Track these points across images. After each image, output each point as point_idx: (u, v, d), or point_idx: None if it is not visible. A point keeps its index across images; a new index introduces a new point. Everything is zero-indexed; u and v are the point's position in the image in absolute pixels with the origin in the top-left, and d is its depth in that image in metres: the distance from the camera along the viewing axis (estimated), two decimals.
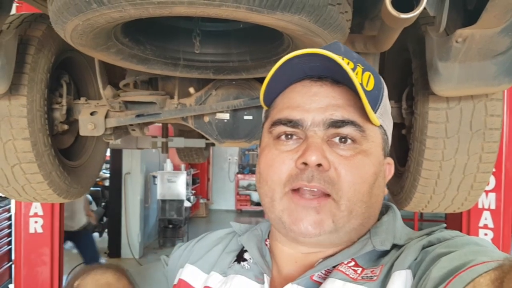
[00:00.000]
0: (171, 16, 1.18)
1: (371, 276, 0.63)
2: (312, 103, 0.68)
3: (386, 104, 0.74)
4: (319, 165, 0.65)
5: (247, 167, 11.20)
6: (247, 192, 11.15)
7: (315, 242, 0.69)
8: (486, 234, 3.40)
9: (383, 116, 0.72)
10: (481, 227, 3.42)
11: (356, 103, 0.68)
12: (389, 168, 0.78)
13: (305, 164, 0.65)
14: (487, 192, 3.37)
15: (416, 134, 1.83)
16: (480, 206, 3.40)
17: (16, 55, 1.65)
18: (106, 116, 2.04)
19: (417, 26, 1.69)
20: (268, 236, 0.82)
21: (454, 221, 3.74)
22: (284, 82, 0.73)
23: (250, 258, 0.78)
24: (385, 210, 0.77)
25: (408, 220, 6.65)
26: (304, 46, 1.37)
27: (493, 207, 3.39)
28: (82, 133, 2.06)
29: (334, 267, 0.67)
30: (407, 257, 0.61)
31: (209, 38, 1.72)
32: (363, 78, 0.68)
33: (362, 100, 0.65)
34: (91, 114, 2.05)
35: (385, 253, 0.67)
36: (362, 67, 0.69)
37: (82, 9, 1.13)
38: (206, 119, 2.11)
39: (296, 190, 0.67)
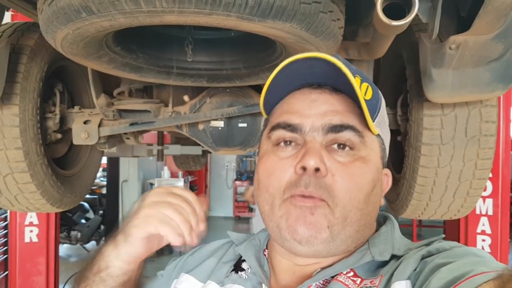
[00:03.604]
0: (162, 24, 1.17)
1: (370, 287, 0.63)
2: (311, 109, 0.69)
3: (384, 115, 0.74)
4: (317, 170, 0.65)
5: (245, 173, 11.15)
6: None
7: (312, 252, 0.67)
8: (483, 240, 3.39)
9: (381, 126, 0.72)
10: (478, 233, 3.42)
11: (355, 110, 0.68)
12: (386, 179, 0.78)
13: (304, 168, 0.65)
14: (484, 198, 3.37)
15: (411, 140, 1.82)
16: (477, 212, 3.39)
17: (8, 64, 1.64)
18: (99, 125, 2.03)
19: (411, 33, 1.69)
20: (267, 246, 0.82)
21: (452, 227, 3.73)
22: (284, 89, 0.73)
23: (248, 268, 0.77)
24: (383, 221, 0.77)
25: (407, 226, 6.63)
26: (297, 53, 1.36)
27: (490, 213, 3.39)
28: (75, 142, 2.04)
29: (332, 277, 0.66)
30: (406, 267, 0.61)
31: (202, 46, 1.71)
32: (361, 88, 0.68)
33: (361, 106, 0.65)
34: (85, 123, 2.03)
35: (384, 264, 0.67)
36: (361, 78, 0.70)
37: (72, 18, 1.12)
38: (201, 127, 2.10)
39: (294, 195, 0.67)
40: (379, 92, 0.74)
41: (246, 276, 0.76)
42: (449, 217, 2.05)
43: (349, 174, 0.66)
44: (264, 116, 0.80)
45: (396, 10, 1.05)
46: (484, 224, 3.40)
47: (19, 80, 1.76)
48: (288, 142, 0.70)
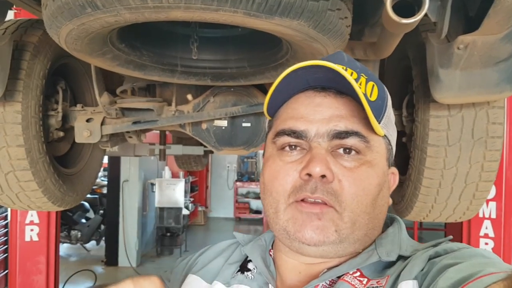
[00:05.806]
0: (168, 21, 1.16)
1: (377, 287, 0.63)
2: (316, 114, 0.68)
3: (390, 113, 0.74)
4: (323, 176, 0.65)
5: (246, 174, 11.16)
6: (246, 200, 11.11)
7: (320, 253, 0.67)
8: (486, 244, 3.37)
9: (387, 126, 0.72)
10: (481, 237, 3.40)
11: (360, 114, 0.68)
12: (393, 178, 0.78)
13: (309, 175, 0.65)
14: (487, 201, 3.35)
15: (417, 142, 1.81)
16: (480, 215, 3.37)
17: (11, 60, 1.63)
18: (102, 123, 2.02)
19: (417, 33, 1.68)
20: (272, 246, 0.81)
21: (455, 230, 3.71)
22: (288, 93, 0.73)
23: (254, 268, 0.77)
24: (390, 222, 0.77)
25: (408, 229, 6.59)
26: (303, 52, 1.35)
27: (493, 216, 3.37)
28: (77, 140, 2.03)
29: (339, 277, 0.66)
30: (413, 267, 0.61)
31: (207, 45, 1.70)
32: (366, 88, 0.69)
33: (366, 111, 0.64)
34: (87, 121, 2.02)
35: (391, 264, 0.67)
36: (366, 77, 0.70)
37: (77, 13, 1.10)
38: (204, 126, 2.09)
39: (300, 200, 0.67)
40: (385, 89, 0.74)
41: (252, 276, 0.76)
42: (454, 219, 2.03)
43: (356, 179, 0.66)
44: (268, 118, 0.80)
45: (404, 8, 1.04)
46: (487, 228, 3.38)
47: (21, 77, 1.75)
48: (293, 147, 0.70)
